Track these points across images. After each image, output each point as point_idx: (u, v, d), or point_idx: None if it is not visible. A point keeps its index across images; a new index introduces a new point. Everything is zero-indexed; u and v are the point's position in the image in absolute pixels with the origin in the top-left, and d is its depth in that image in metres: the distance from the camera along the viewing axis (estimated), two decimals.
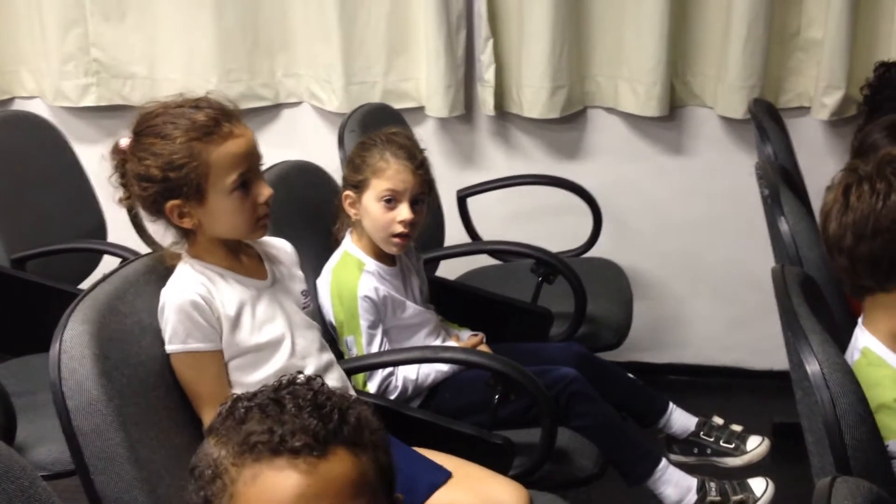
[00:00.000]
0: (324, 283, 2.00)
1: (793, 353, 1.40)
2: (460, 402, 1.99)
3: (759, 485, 1.97)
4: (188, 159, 1.47)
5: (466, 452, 1.80)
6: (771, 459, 2.23)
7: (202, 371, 1.50)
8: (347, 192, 1.99)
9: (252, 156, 1.53)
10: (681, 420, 2.17)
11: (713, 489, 1.95)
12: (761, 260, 2.98)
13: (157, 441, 1.42)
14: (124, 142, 1.53)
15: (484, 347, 2.13)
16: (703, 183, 3.02)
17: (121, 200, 1.56)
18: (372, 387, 1.95)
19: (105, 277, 1.55)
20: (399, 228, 1.97)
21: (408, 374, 1.96)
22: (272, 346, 1.59)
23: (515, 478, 1.82)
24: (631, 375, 2.18)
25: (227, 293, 1.55)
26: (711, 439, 2.15)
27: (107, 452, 1.35)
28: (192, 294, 1.51)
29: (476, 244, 2.74)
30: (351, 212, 2.00)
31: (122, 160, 1.53)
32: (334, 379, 1.68)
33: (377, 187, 1.97)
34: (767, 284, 3.06)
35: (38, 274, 2.48)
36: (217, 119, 1.48)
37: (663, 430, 2.19)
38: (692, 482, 1.97)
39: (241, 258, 1.62)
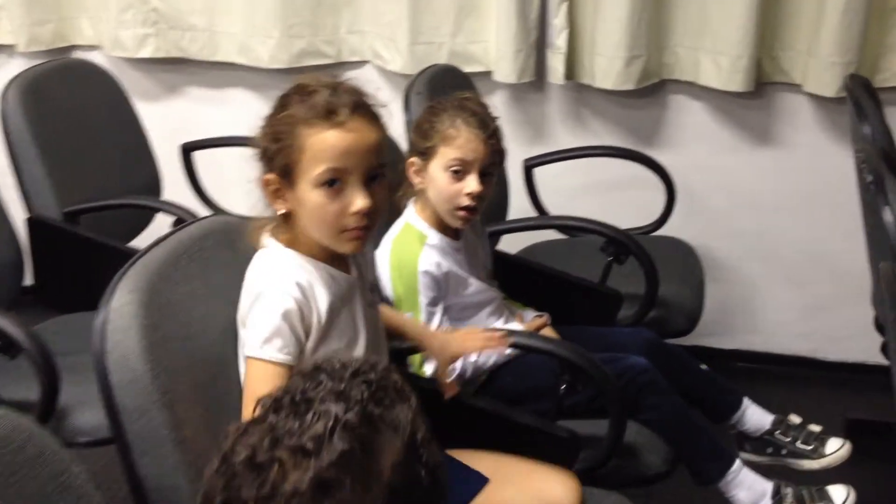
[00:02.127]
0: (383, 254, 1.90)
1: None
2: (522, 387, 1.89)
3: (839, 493, 1.84)
4: (285, 135, 1.37)
5: (528, 443, 1.70)
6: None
7: (274, 382, 1.34)
8: (413, 159, 1.88)
9: (357, 156, 1.36)
10: (755, 416, 2.04)
11: (789, 495, 1.83)
12: (839, 246, 2.88)
13: (204, 422, 1.33)
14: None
15: (549, 330, 2.01)
16: (784, 163, 2.86)
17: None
18: (429, 368, 1.85)
19: (158, 241, 1.46)
20: (466, 201, 1.86)
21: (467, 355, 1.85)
22: (350, 346, 1.48)
23: (578, 473, 1.72)
24: (704, 366, 2.05)
25: (323, 296, 1.43)
26: (788, 439, 2.02)
27: (150, 432, 1.26)
28: (295, 297, 1.39)
29: (543, 218, 2.61)
30: (416, 180, 1.89)
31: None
32: None
33: (445, 156, 1.85)
34: (844, 271, 2.99)
35: (91, 229, 2.42)
36: (335, 106, 1.36)
37: (736, 427, 2.06)
38: (767, 486, 1.85)
39: (333, 252, 1.48)
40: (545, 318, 2.04)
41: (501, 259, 2.16)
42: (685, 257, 2.60)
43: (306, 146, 1.36)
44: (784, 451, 2.01)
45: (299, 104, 1.38)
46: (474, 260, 2.00)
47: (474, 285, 1.96)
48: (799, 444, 2.00)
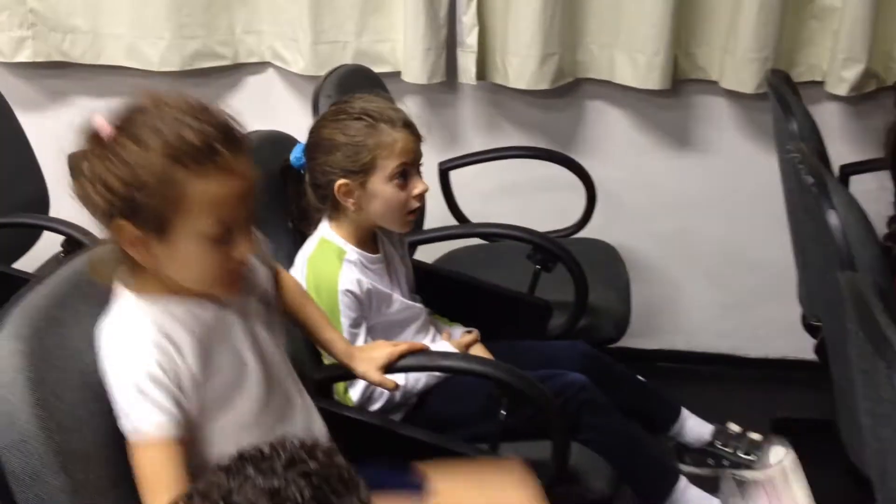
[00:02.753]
0: (298, 275, 1.75)
1: (871, 375, 1.17)
2: (455, 411, 1.77)
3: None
4: (158, 182, 1.15)
5: None
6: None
7: (165, 462, 1.17)
8: (342, 182, 1.72)
9: (246, 201, 1.20)
10: (695, 428, 1.97)
11: None
12: (757, 244, 2.85)
13: (109, 484, 1.16)
14: (103, 125, 1.18)
15: (480, 347, 1.89)
16: (703, 161, 2.80)
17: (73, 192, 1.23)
18: (354, 395, 1.71)
19: (42, 278, 1.28)
20: (416, 203, 1.77)
21: (395, 378, 1.72)
22: (238, 384, 1.30)
23: None
24: (640, 378, 1.96)
25: (186, 343, 1.23)
26: (729, 450, 1.95)
27: (45, 499, 1.10)
28: (155, 358, 1.19)
29: (467, 227, 2.49)
30: (348, 202, 1.74)
31: (90, 146, 1.19)
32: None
33: (387, 167, 1.72)
34: (762, 269, 2.95)
35: None
36: (213, 143, 1.15)
37: (675, 439, 1.98)
38: (714, 502, 1.76)
39: None
40: (475, 333, 1.92)
41: (423, 271, 2.03)
42: (610, 261, 2.52)
43: (188, 194, 1.16)
44: (726, 462, 1.94)
45: (156, 137, 1.16)
46: (396, 273, 1.87)
47: (398, 302, 1.83)
48: (741, 454, 1.93)
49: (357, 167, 1.71)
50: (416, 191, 1.76)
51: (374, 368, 1.59)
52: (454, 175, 2.64)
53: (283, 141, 1.90)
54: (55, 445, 1.10)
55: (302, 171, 1.78)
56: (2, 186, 2.46)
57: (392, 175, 1.72)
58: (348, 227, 1.77)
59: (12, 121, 2.55)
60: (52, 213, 2.62)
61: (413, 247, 2.29)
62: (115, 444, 1.19)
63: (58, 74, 2.85)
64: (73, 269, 1.31)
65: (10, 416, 1.09)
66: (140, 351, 1.20)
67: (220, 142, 1.16)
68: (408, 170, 1.74)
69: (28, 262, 2.47)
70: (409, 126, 1.73)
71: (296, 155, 1.79)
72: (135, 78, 2.81)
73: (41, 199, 2.61)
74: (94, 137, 1.19)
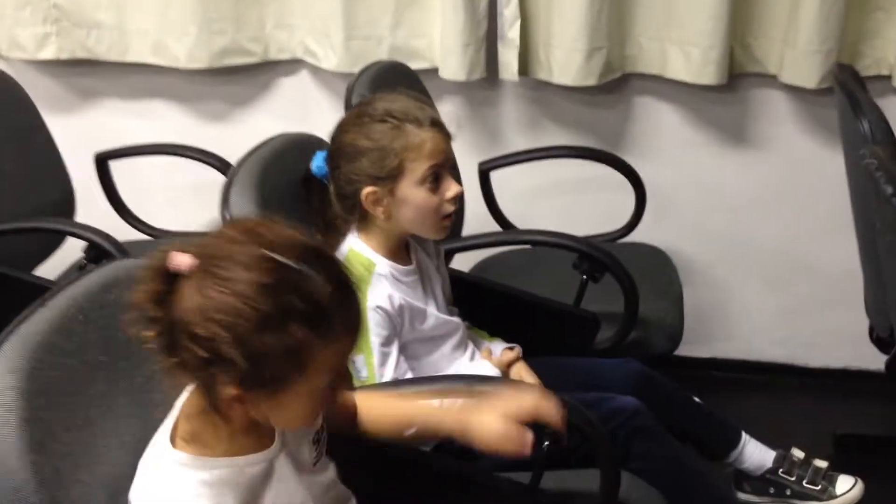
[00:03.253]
0: None
1: None
2: None
3: None
4: (287, 353, 1.00)
5: None
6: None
7: None
8: (369, 190, 1.60)
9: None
10: (756, 454, 1.82)
11: None
12: (818, 246, 2.68)
13: None
14: (184, 261, 1.01)
15: (522, 365, 1.76)
16: (760, 159, 2.64)
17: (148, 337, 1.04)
18: None
19: (43, 300, 1.16)
20: (451, 207, 1.64)
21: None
22: None
23: None
24: (698, 400, 1.81)
25: (229, 495, 1.09)
26: (793, 478, 1.80)
27: None
28: None
29: (511, 233, 2.35)
30: (377, 210, 1.61)
31: (167, 285, 1.02)
32: None
33: (417, 170, 1.59)
34: (823, 273, 2.78)
35: None
36: (338, 300, 1.02)
37: (733, 465, 1.83)
38: None
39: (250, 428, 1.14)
40: (516, 350, 1.79)
41: (460, 281, 1.90)
42: (661, 267, 2.36)
43: (318, 357, 1.03)
44: (788, 492, 1.79)
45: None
46: (431, 286, 1.74)
47: (433, 317, 1.70)
48: (805, 485, 1.78)
49: (384, 173, 1.58)
50: (450, 194, 1.63)
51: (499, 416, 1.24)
52: (495, 176, 2.51)
53: (311, 144, 1.78)
54: (48, 496, 0.99)
55: (325, 181, 1.66)
56: (26, 188, 2.38)
57: (422, 179, 1.59)
58: (378, 237, 1.65)
59: (37, 120, 2.46)
60: (80, 212, 2.55)
61: (449, 255, 2.17)
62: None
63: (84, 72, 2.76)
64: (78, 289, 1.20)
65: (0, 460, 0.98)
66: None
67: (345, 294, 1.04)
68: (439, 172, 1.61)
69: (51, 269, 2.38)
70: (437, 125, 1.61)
71: (317, 164, 1.66)
72: (164, 77, 2.72)
73: (67, 202, 2.53)
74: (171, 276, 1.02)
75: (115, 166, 2.56)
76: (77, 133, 2.73)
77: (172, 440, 1.11)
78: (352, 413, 1.33)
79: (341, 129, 1.63)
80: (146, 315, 1.02)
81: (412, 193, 1.60)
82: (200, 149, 2.51)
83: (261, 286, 0.98)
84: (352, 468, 1.45)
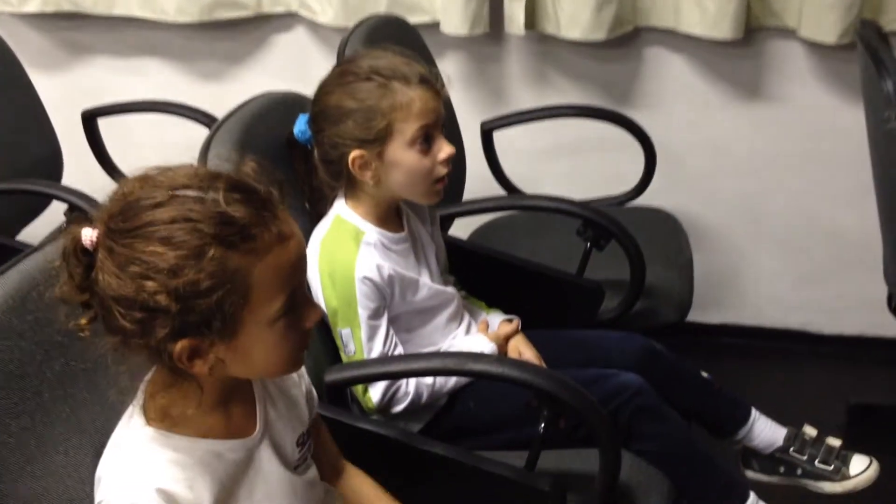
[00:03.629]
0: (312, 257, 1.53)
1: None
2: (489, 415, 1.56)
3: None
4: (215, 281, 0.93)
5: (501, 494, 1.36)
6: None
7: None
8: (356, 153, 1.50)
9: (301, 260, 1.01)
10: (766, 431, 1.72)
11: None
12: (836, 210, 2.57)
13: None
14: (87, 234, 0.96)
15: (521, 338, 1.67)
16: (776, 118, 2.52)
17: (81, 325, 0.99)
18: (375, 395, 1.50)
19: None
20: (444, 169, 1.54)
21: (424, 380, 1.52)
22: None
23: None
24: (706, 375, 1.72)
25: (204, 489, 1.01)
26: (804, 457, 1.70)
27: None
28: None
29: (511, 198, 2.24)
30: (366, 176, 1.52)
31: (86, 264, 0.97)
32: None
33: (406, 131, 1.49)
34: (841, 237, 2.66)
35: None
36: (255, 214, 0.96)
37: (741, 442, 1.74)
38: None
39: (230, 406, 1.08)
40: (515, 323, 1.70)
41: (457, 249, 1.81)
42: (671, 232, 2.26)
43: (253, 281, 0.96)
44: (799, 472, 1.70)
45: (189, 229, 0.95)
46: (424, 254, 1.65)
47: (426, 287, 1.61)
48: (817, 464, 1.69)
49: (372, 135, 1.48)
50: (442, 155, 1.53)
51: None
52: (498, 136, 2.41)
53: (298, 104, 1.67)
54: None
55: (309, 146, 1.56)
56: (10, 147, 2.30)
57: (413, 140, 1.49)
58: (367, 203, 1.55)
59: (22, 77, 2.37)
60: (67, 176, 2.46)
61: (448, 220, 2.07)
62: None
63: (71, 27, 2.65)
64: (41, 260, 1.10)
65: None
66: (143, 497, 0.98)
67: (258, 209, 0.97)
68: (430, 132, 1.51)
69: (37, 232, 2.30)
70: (426, 82, 1.50)
71: (300, 128, 1.56)
72: (155, 32, 2.61)
73: (53, 162, 2.45)
74: (83, 249, 0.97)
75: (104, 124, 2.47)
76: (64, 90, 2.65)
77: (145, 417, 1.03)
78: (335, 468, 1.25)
79: (324, 89, 1.53)
80: (77, 303, 0.97)
81: (402, 156, 1.50)
82: (192, 107, 2.41)
83: (165, 224, 0.93)
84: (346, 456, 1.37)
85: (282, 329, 0.99)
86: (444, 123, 1.54)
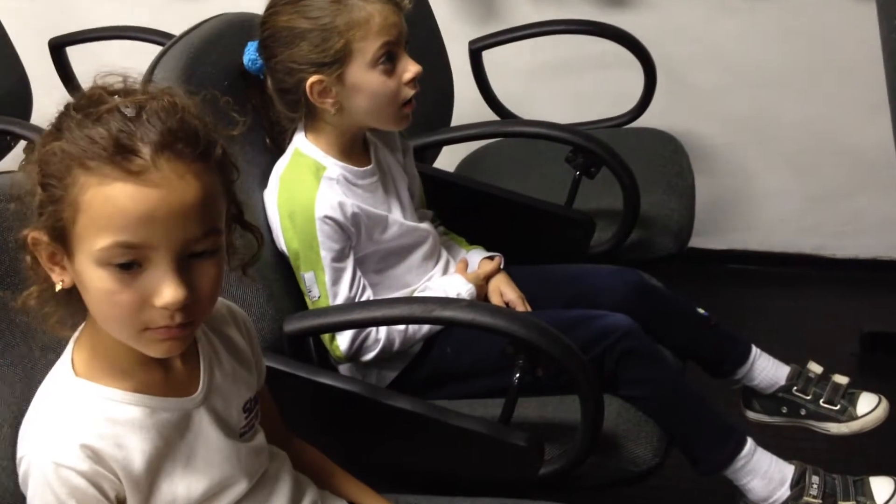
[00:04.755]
0: (271, 196, 1.42)
1: None
2: (466, 362, 1.46)
3: (883, 488, 1.41)
4: (54, 180, 0.86)
5: (477, 449, 1.27)
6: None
7: None
8: (315, 79, 1.37)
9: (165, 226, 0.85)
10: (767, 371, 1.61)
11: (814, 486, 1.40)
12: (851, 126, 2.43)
13: None
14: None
15: (503, 277, 1.56)
16: (785, 28, 2.37)
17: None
18: (342, 343, 1.40)
19: None
20: (411, 90, 1.43)
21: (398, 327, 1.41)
22: (204, 501, 0.98)
23: (543, 481, 1.29)
24: (702, 311, 1.60)
25: (137, 446, 0.92)
26: (808, 397, 1.59)
27: None
28: (79, 470, 0.89)
29: (492, 125, 2.08)
30: (326, 103, 1.39)
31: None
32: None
33: (367, 51, 1.37)
34: (855, 155, 2.51)
35: None
36: (132, 141, 0.84)
37: (741, 382, 1.63)
38: (787, 471, 1.43)
39: (171, 362, 0.98)
40: (496, 261, 1.58)
41: (435, 181, 1.69)
42: (671, 156, 2.12)
43: (83, 204, 0.85)
44: (803, 412, 1.59)
45: (78, 130, 0.86)
46: (395, 188, 1.53)
47: (397, 224, 1.49)
48: (822, 404, 1.57)
49: (329, 57, 1.35)
50: (408, 75, 1.41)
51: None
52: (488, 56, 2.28)
53: (255, 26, 1.53)
54: None
55: (262, 76, 1.43)
56: None
57: (374, 60, 1.37)
58: (329, 135, 1.43)
59: None
60: (36, 111, 2.35)
61: (432, 150, 1.95)
62: None
63: None
64: None
65: None
66: (63, 455, 0.89)
67: (152, 144, 0.84)
68: (393, 51, 1.39)
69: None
70: None
71: (250, 56, 1.43)
72: None
73: (21, 95, 2.34)
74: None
75: (74, 53, 2.34)
76: (29, 17, 2.50)
77: (73, 370, 0.95)
78: (280, 442, 1.14)
79: (273, 10, 1.39)
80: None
81: (364, 78, 1.38)
82: (166, 32, 2.27)
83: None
84: (303, 410, 1.28)
85: (110, 280, 0.86)
86: (407, 40, 1.41)
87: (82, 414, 0.92)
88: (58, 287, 0.91)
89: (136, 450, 0.92)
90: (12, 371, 0.99)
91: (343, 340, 1.39)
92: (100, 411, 0.92)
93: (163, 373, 0.97)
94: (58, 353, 0.98)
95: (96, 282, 0.86)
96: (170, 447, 0.96)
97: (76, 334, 0.97)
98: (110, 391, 0.93)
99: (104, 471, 0.90)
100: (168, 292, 0.86)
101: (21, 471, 0.92)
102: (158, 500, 0.95)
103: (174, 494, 0.95)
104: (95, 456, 0.90)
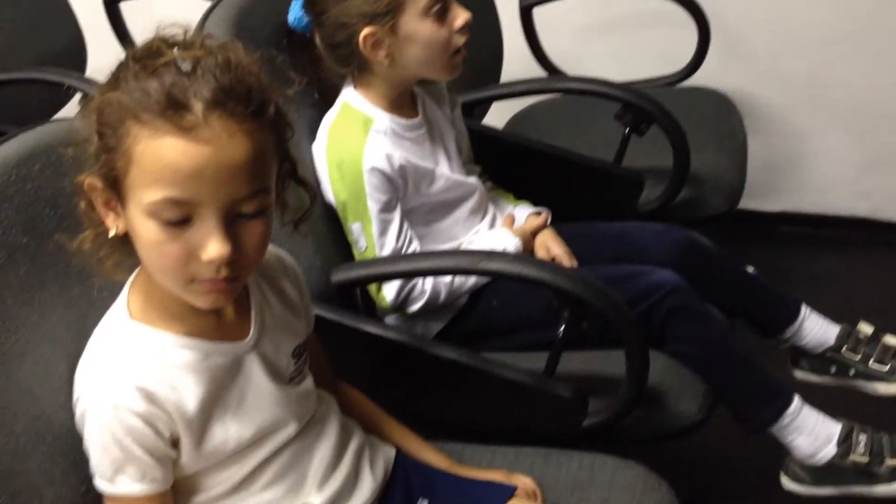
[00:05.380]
0: (319, 149, 1.43)
1: None
2: (512, 315, 1.46)
3: None
4: (109, 130, 0.88)
5: (521, 400, 1.28)
6: None
7: None
8: (367, 31, 1.37)
9: (214, 183, 0.86)
10: (816, 330, 1.59)
11: (861, 444, 1.40)
12: None
13: None
14: None
15: (549, 233, 1.55)
16: None
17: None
18: (389, 294, 1.41)
19: None
20: (461, 38, 1.43)
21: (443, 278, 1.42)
22: (254, 443, 1.01)
23: (586, 433, 1.30)
24: (751, 270, 1.59)
25: (190, 388, 0.95)
26: (857, 357, 1.57)
27: None
28: (136, 411, 0.92)
29: (543, 81, 2.08)
30: (379, 55, 1.39)
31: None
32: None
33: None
34: None
35: None
36: (184, 99, 0.85)
37: (790, 341, 1.61)
38: (833, 429, 1.42)
39: (223, 308, 0.99)
40: (543, 216, 1.58)
41: (483, 137, 1.68)
42: (723, 115, 2.09)
43: (135, 156, 0.86)
44: (852, 372, 1.58)
45: (134, 82, 0.87)
46: (443, 142, 1.53)
47: (444, 178, 1.50)
48: (872, 364, 1.56)
49: (382, 8, 1.36)
50: (459, 22, 1.41)
51: None
52: (539, 13, 2.26)
53: None
54: None
55: (308, 34, 1.44)
56: (28, 35, 2.22)
57: (426, 8, 1.38)
58: (379, 87, 1.44)
59: None
60: (91, 67, 2.38)
61: (481, 106, 1.94)
62: None
63: None
64: (1, 157, 1.02)
65: None
66: (119, 396, 0.92)
67: (205, 101, 0.85)
68: None
69: None
70: None
71: (295, 15, 1.43)
72: None
73: (76, 51, 2.36)
74: None
75: (127, 8, 2.36)
76: None
77: (129, 312, 0.98)
78: (328, 388, 1.15)
79: None
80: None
81: (417, 28, 1.38)
82: None
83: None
84: (349, 359, 1.30)
85: (159, 232, 0.88)
86: None
87: (137, 356, 0.95)
88: (111, 233, 0.93)
89: (189, 392, 0.95)
90: (69, 312, 1.02)
91: (389, 291, 1.41)
92: (154, 354, 0.95)
93: (215, 319, 0.99)
94: (113, 294, 1.00)
95: (146, 232, 0.88)
96: (221, 390, 0.98)
97: (131, 278, 0.99)
98: (164, 335, 0.96)
99: (159, 411, 0.93)
100: (214, 248, 0.87)
101: (78, 411, 0.95)
102: (210, 441, 0.97)
103: (226, 436, 0.98)
104: (150, 397, 0.93)
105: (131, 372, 0.93)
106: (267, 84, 0.91)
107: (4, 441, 0.91)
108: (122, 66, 0.90)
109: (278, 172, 0.94)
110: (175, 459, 0.96)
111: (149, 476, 0.93)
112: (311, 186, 1.02)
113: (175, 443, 0.95)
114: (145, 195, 0.86)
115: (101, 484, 0.95)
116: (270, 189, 0.91)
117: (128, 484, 0.93)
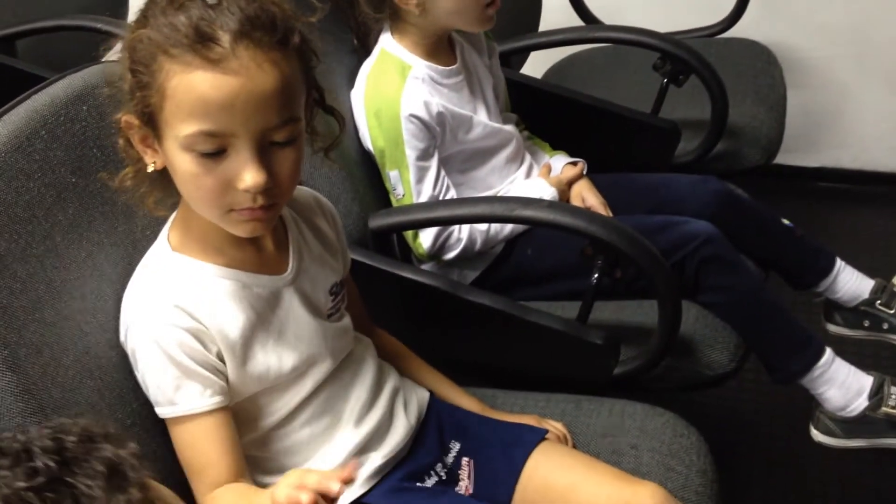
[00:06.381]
0: (357, 95, 1.44)
1: None
2: (547, 263, 1.48)
3: None
4: (142, 66, 0.89)
5: (553, 346, 1.30)
6: None
7: (212, 434, 0.97)
8: None
9: (245, 113, 0.87)
10: (850, 283, 1.59)
11: (893, 396, 1.40)
12: None
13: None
14: None
15: (585, 183, 1.56)
16: None
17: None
18: (425, 241, 1.43)
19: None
20: None
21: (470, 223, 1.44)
22: (295, 375, 1.03)
23: (618, 380, 1.32)
24: (787, 222, 1.59)
25: (230, 313, 0.98)
26: (891, 311, 1.57)
27: None
28: (182, 326, 0.95)
29: (581, 31, 2.06)
30: (409, 4, 1.40)
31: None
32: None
33: None
34: None
35: (33, 59, 1.98)
36: (212, 30, 0.86)
37: (823, 294, 1.62)
38: (865, 382, 1.42)
39: (262, 242, 1.02)
40: (579, 166, 1.58)
41: (521, 86, 1.68)
42: (763, 67, 2.07)
43: (168, 91, 0.88)
44: (885, 326, 1.58)
45: (162, 18, 0.88)
46: (481, 89, 1.54)
47: (481, 125, 1.50)
48: None
49: None
50: None
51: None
52: None
53: None
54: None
55: None
56: None
57: None
58: (414, 35, 1.44)
59: None
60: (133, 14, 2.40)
61: (520, 56, 1.94)
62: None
63: None
64: (49, 98, 1.04)
65: None
66: (163, 318, 0.96)
67: (222, 28, 0.86)
68: None
69: None
70: None
71: None
72: None
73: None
74: None
75: None
76: None
77: (171, 245, 1.01)
78: (363, 330, 1.17)
79: None
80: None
81: None
82: None
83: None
84: (385, 304, 1.32)
85: (194, 165, 0.91)
86: None
87: (179, 282, 0.98)
88: (150, 168, 0.95)
89: (230, 318, 0.98)
90: (115, 250, 1.04)
91: (426, 238, 1.42)
92: (195, 282, 0.98)
93: (255, 252, 1.02)
94: (157, 234, 1.03)
95: (183, 165, 0.91)
96: (262, 320, 1.01)
97: (173, 216, 1.02)
98: (205, 265, 0.99)
99: (202, 326, 0.96)
100: (249, 176, 0.89)
101: (128, 342, 0.98)
102: (253, 367, 1.00)
103: (267, 364, 1.00)
104: (192, 315, 0.96)
105: (173, 294, 0.97)
106: (291, 12, 0.92)
107: (54, 374, 0.94)
108: (150, 3, 0.91)
109: (307, 101, 0.96)
110: (226, 377, 0.99)
111: (209, 389, 0.96)
112: (339, 113, 1.04)
113: (221, 359, 0.98)
114: (180, 129, 0.89)
115: (164, 410, 0.97)
116: (300, 117, 0.93)
117: (190, 400, 0.96)
